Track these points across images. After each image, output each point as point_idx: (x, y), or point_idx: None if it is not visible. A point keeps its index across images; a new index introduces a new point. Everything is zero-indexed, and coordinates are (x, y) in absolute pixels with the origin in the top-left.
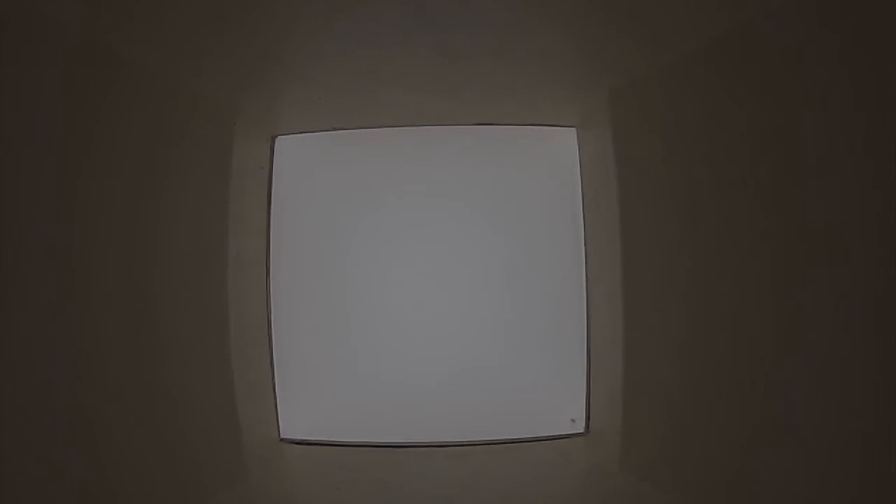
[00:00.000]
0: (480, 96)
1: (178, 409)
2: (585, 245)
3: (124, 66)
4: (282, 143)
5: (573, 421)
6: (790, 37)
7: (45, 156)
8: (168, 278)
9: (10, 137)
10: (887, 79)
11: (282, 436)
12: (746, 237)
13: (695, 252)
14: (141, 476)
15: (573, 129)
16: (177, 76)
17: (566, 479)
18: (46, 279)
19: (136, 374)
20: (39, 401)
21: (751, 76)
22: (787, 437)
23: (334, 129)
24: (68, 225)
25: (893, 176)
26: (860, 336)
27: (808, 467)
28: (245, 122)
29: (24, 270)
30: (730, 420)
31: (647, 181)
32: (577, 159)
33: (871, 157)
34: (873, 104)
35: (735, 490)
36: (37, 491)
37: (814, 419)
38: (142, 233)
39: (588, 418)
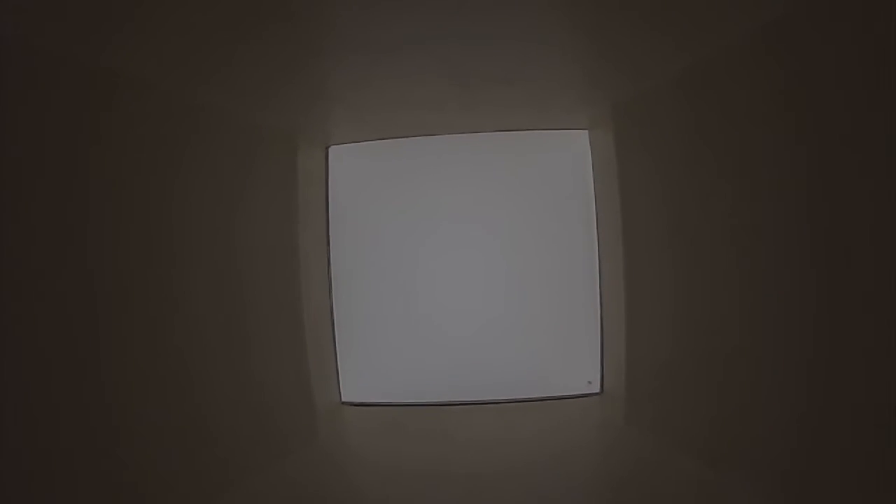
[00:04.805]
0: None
1: (262, 378)
2: (598, 241)
3: (201, 110)
4: (334, 152)
5: (590, 383)
6: (782, 54)
7: (138, 189)
8: (249, 270)
9: (107, 180)
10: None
11: (343, 399)
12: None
13: (684, 242)
14: (233, 431)
15: (585, 131)
16: (244, 111)
17: (583, 430)
18: (146, 289)
19: (228, 356)
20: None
21: (745, 93)
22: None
23: (378, 140)
24: (168, 240)
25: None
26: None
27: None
28: (303, 140)
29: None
30: (724, 378)
31: (645, 180)
32: (590, 159)
33: (869, 175)
34: (873, 122)
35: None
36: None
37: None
38: (230, 236)
39: (602, 381)
